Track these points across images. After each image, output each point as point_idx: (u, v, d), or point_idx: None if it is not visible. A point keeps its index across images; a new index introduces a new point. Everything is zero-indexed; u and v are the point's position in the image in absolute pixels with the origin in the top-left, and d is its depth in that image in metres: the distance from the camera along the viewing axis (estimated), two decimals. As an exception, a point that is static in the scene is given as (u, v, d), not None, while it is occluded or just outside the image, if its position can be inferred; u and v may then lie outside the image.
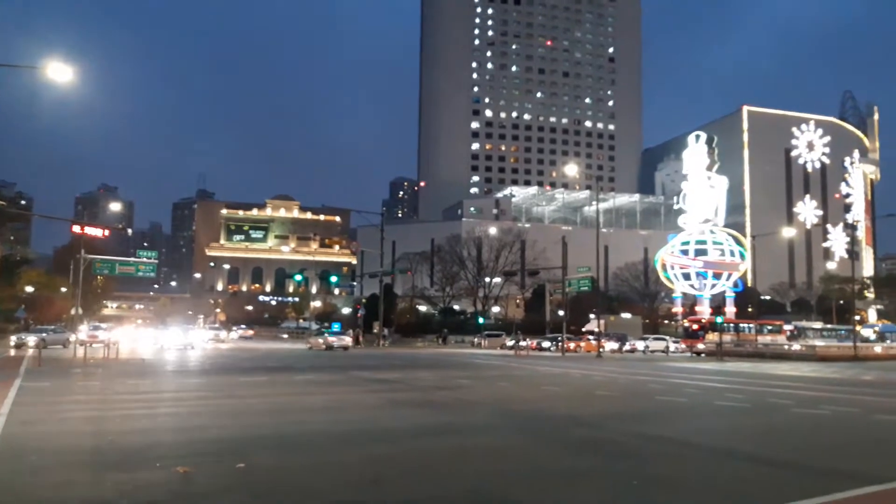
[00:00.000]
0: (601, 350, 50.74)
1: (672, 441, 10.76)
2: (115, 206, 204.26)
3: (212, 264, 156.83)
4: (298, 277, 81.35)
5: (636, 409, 15.34)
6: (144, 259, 48.72)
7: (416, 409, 14.68)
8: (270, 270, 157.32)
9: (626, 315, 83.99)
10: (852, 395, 19.85)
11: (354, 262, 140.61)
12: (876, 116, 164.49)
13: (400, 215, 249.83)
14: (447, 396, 17.34)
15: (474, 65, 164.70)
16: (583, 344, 58.00)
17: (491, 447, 9.92)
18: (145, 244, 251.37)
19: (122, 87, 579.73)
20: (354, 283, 67.16)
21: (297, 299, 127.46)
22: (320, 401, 16.18)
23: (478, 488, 7.26)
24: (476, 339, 68.38)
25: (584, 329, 69.07)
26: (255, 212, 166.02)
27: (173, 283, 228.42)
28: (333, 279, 78.00)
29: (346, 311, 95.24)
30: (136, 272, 47.96)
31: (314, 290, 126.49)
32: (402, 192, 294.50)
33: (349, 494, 6.93)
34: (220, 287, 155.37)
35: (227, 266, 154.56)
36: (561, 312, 59.27)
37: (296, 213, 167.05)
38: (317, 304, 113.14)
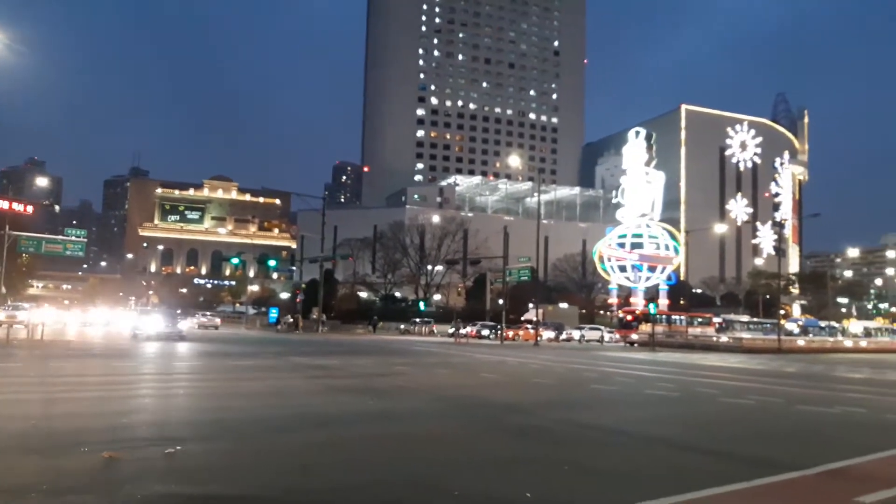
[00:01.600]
0: (538, 339, 51.62)
1: (603, 429, 11.03)
2: (43, 182, 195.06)
3: (145, 245, 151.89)
4: (235, 261, 79.39)
5: (570, 398, 15.67)
6: (73, 237, 46.76)
7: (354, 395, 14.60)
8: (206, 253, 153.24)
9: (564, 305, 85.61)
10: (776, 386, 20.78)
11: (294, 246, 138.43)
12: (806, 119, 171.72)
13: (343, 200, 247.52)
14: (385, 383, 17.31)
15: (421, 51, 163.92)
16: (521, 332, 58.86)
17: (428, 434, 9.95)
18: (74, 222, 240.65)
19: (52, 58, 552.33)
20: (294, 268, 65.81)
21: (233, 283, 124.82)
22: (256, 386, 15.91)
23: (413, 475, 7.27)
24: (402, 326, 68.84)
25: (522, 318, 70.06)
26: (191, 192, 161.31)
27: (103, 264, 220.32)
28: (272, 263, 76.50)
29: (284, 296, 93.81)
30: (64, 251, 46.03)
31: (252, 274, 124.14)
32: (345, 177, 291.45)
33: (275, 481, 6.83)
34: (153, 268, 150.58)
35: (160, 247, 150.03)
36: (501, 301, 59.95)
37: (234, 195, 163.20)
38: (254, 288, 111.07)
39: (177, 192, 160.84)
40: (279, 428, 9.93)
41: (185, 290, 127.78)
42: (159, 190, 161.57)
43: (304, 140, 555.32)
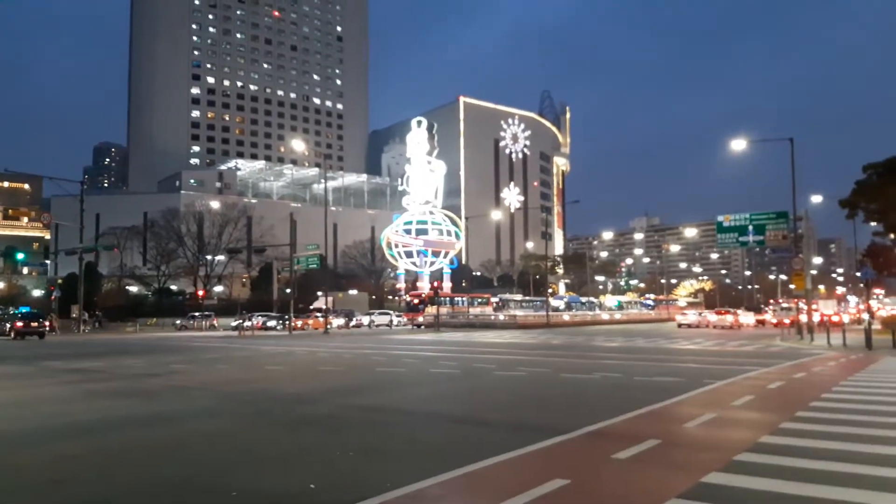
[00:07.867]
0: (328, 326, 51.30)
1: (389, 410, 11.17)
2: None
3: None
4: (-27, 254, 68.30)
5: (358, 382, 15.68)
6: None
7: (120, 399, 13.24)
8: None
9: (354, 291, 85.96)
10: (544, 358, 22.71)
11: (48, 236, 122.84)
12: (568, 115, 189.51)
13: (106, 185, 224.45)
14: (158, 384, 15.94)
15: (194, 26, 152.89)
16: (310, 321, 58.02)
17: (206, 433, 9.31)
18: None
19: None
20: (48, 262, 58.11)
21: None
22: (-3, 398, 13.75)
23: (187, 478, 6.73)
24: (179, 321, 63.17)
25: (312, 306, 69.08)
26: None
27: None
28: (20, 256, 67.17)
29: (38, 293, 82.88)
30: None
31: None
32: (108, 160, 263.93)
33: (26, 498, 5.92)
34: None
35: None
36: (289, 290, 58.50)
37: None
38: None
39: None
40: (25, 441, 8.66)
41: None
42: None
43: (60, 117, 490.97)
